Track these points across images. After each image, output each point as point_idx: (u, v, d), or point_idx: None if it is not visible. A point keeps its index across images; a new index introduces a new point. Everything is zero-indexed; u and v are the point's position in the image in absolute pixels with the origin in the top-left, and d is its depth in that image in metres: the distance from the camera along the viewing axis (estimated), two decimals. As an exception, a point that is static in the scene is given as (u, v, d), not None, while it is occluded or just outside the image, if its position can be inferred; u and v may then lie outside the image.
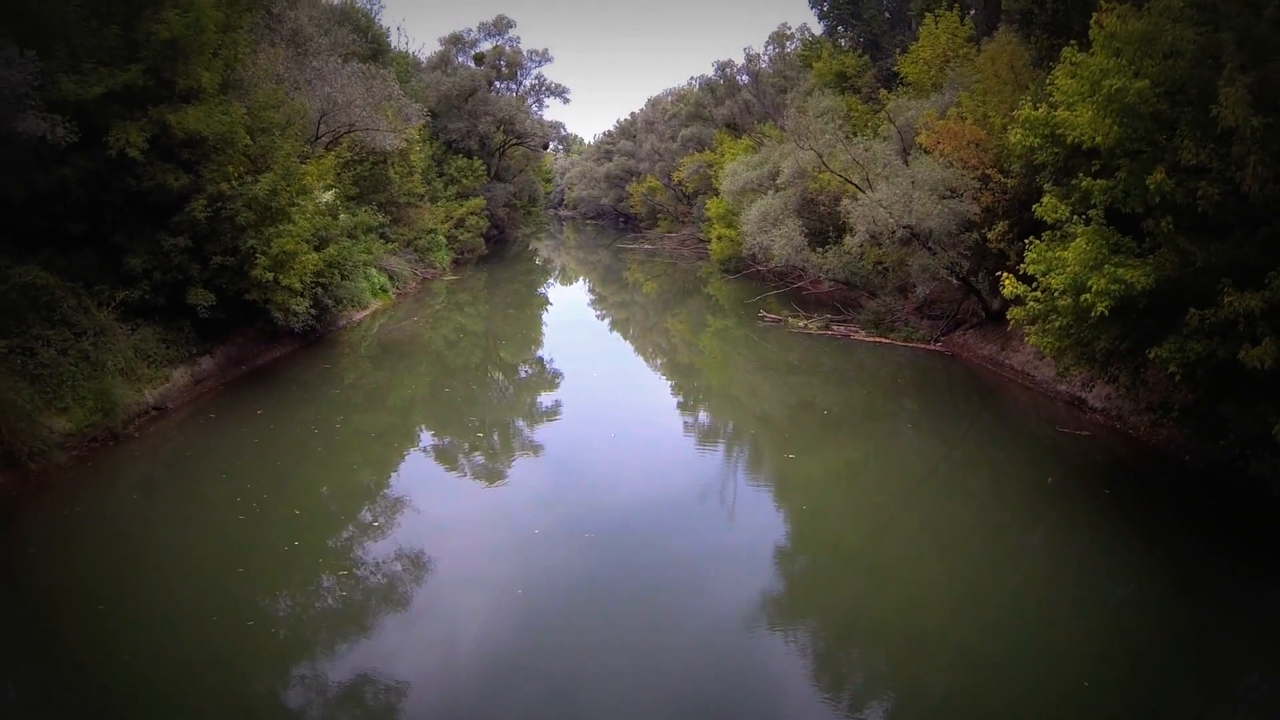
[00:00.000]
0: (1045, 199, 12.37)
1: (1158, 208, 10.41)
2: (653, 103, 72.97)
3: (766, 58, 47.00)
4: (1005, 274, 13.18)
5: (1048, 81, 13.43)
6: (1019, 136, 13.33)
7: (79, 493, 12.56)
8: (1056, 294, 11.17)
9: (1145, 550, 11.28)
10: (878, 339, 24.74)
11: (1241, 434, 10.57)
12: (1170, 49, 10.17)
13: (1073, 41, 12.11)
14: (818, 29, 39.13)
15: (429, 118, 38.48)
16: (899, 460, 16.50)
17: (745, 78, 48.61)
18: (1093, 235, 11.14)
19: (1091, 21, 11.28)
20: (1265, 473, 10.45)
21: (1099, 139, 10.65)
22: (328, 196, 20.92)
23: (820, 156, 21.70)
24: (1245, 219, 9.89)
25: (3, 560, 10.54)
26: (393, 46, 40.38)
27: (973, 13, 27.62)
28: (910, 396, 20.82)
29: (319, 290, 19.64)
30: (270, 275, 16.53)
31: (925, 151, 21.12)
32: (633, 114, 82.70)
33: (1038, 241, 12.12)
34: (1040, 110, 12.95)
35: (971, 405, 20.45)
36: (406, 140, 26.68)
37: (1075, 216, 11.82)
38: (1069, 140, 11.67)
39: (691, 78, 61.51)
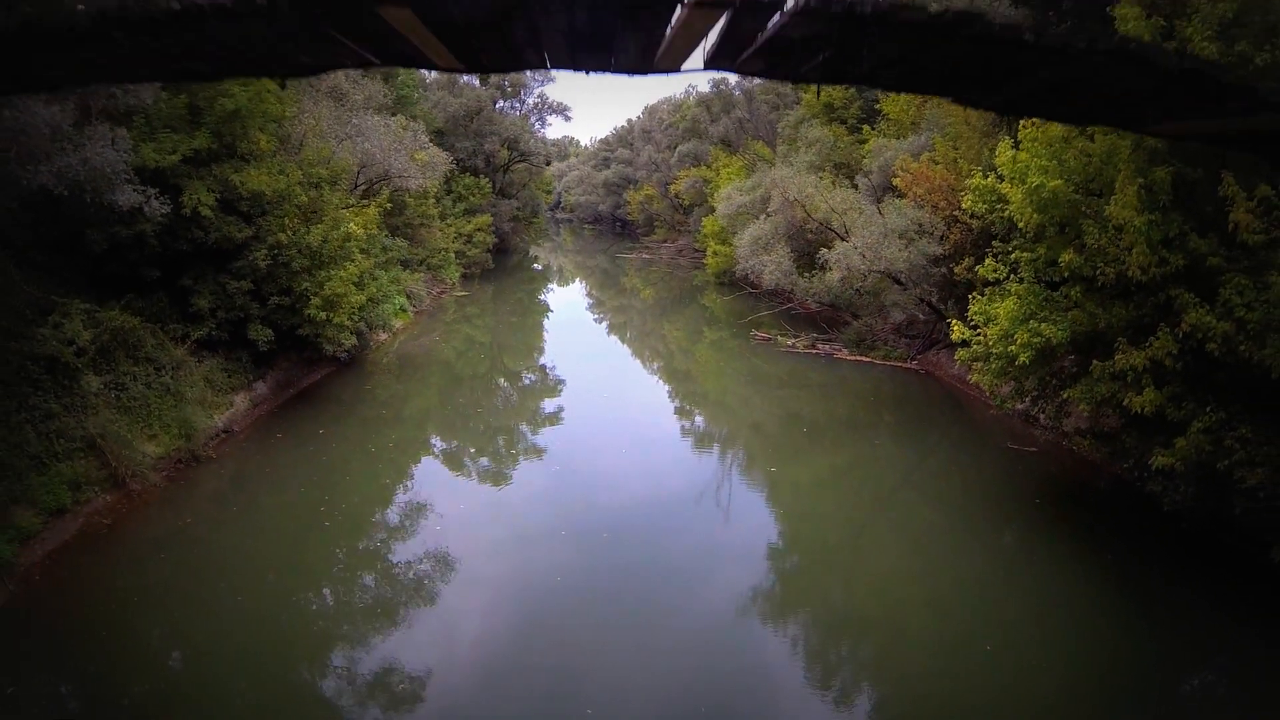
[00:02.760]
0: (986, 261, 14.77)
1: (1070, 278, 12.81)
2: (649, 111, 75.11)
3: (760, 75, 49.11)
4: (954, 320, 15.58)
5: (995, 154, 15.79)
6: (970, 202, 15.70)
7: (178, 508, 14.82)
8: (991, 342, 13.58)
9: (1089, 552, 13.42)
10: (859, 357, 27.10)
11: (1139, 459, 13.00)
12: (1081, 150, 12.55)
13: (1005, 136, 14.50)
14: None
15: (438, 136, 40.59)
16: (878, 468, 18.82)
17: (739, 92, 50.82)
18: (1024, 294, 13.55)
19: (1019, 125, 13.67)
20: (1156, 491, 12.89)
21: (1022, 222, 13.06)
22: (358, 231, 23.09)
23: (804, 207, 24.09)
24: (1140, 289, 12.27)
25: (122, 566, 12.76)
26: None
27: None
28: (888, 410, 23.20)
29: (360, 322, 21.95)
30: (323, 314, 18.84)
31: (899, 195, 23.48)
32: (630, 121, 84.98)
33: (979, 297, 14.52)
34: (989, 180, 15.33)
35: (943, 419, 22.84)
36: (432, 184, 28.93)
37: (1011, 275, 14.25)
38: (1007, 213, 14.08)
39: (689, 85, 63.42)
